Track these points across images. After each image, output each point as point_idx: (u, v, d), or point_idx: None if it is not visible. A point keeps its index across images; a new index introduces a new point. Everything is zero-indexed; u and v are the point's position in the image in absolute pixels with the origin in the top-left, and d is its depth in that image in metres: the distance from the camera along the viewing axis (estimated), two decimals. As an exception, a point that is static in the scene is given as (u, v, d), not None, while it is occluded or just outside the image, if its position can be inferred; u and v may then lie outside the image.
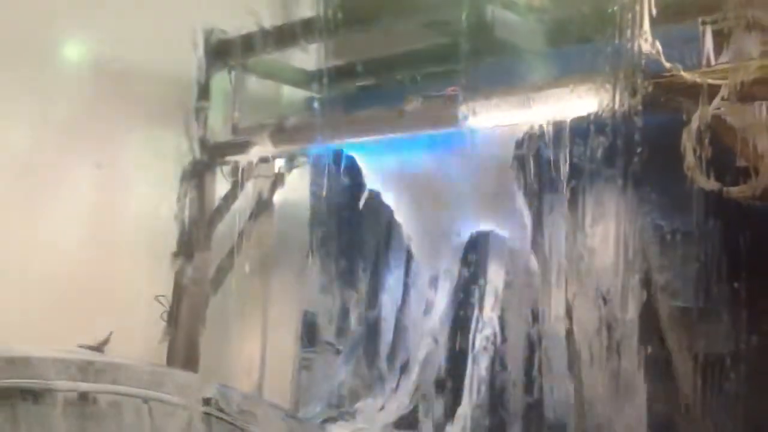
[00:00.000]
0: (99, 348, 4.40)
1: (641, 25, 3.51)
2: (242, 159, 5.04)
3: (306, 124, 4.60)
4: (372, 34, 5.08)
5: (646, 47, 3.49)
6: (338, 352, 7.02)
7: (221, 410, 3.33)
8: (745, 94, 3.30)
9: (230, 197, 5.32)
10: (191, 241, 5.29)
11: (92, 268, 5.17)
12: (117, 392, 3.31)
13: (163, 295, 5.27)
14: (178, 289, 5.31)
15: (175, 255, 5.29)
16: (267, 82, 5.69)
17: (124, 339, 4.96)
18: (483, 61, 4.44)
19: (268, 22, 5.49)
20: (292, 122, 4.63)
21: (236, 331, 5.87)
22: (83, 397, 3.28)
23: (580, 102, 3.56)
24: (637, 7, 3.53)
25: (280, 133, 4.64)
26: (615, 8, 3.63)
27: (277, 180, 5.34)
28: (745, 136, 3.33)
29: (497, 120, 3.79)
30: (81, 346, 4.24)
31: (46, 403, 3.19)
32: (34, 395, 3.18)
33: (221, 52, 5.28)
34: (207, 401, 3.34)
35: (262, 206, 5.44)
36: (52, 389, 3.21)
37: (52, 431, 3.24)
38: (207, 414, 3.32)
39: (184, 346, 5.29)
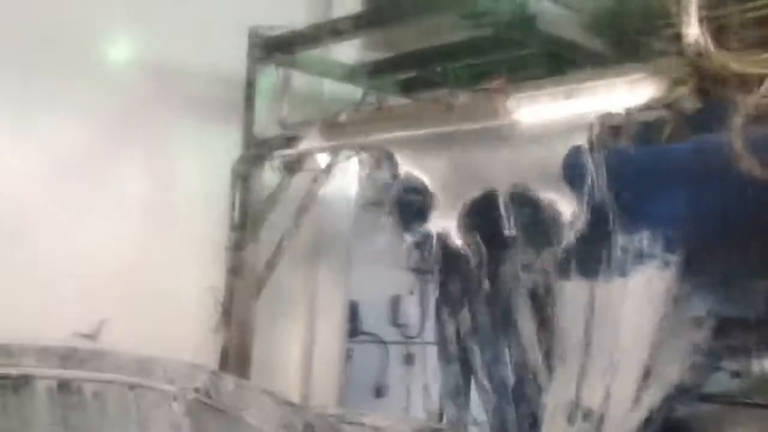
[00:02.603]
0: (92, 336, 4.49)
1: (688, 14, 3.55)
2: (291, 153, 5.16)
3: (356, 119, 4.70)
4: (414, 28, 5.16)
5: (692, 38, 3.54)
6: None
7: (212, 398, 3.24)
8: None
9: (279, 191, 5.43)
10: (242, 234, 5.42)
11: (146, 262, 5.32)
12: (101, 380, 3.25)
13: (215, 287, 5.42)
14: (230, 281, 5.45)
15: (227, 248, 5.42)
16: (314, 78, 5.80)
17: (177, 329, 5.16)
18: (528, 54, 4.53)
19: (312, 18, 5.66)
20: (342, 117, 4.73)
21: (285, 322, 6.01)
22: (65, 385, 3.22)
23: (630, 93, 3.62)
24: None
25: (331, 128, 4.74)
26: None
27: (324, 174, 5.43)
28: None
29: (544, 112, 3.85)
30: (75, 334, 4.27)
31: (26, 393, 3.15)
32: (14, 384, 3.14)
33: (267, 48, 5.39)
34: (198, 389, 3.25)
35: (309, 199, 5.53)
36: (31, 377, 3.16)
37: (33, 421, 3.19)
38: (197, 402, 3.23)
39: (236, 336, 5.42)
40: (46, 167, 5.06)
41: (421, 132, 4.19)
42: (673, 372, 3.83)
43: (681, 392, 3.92)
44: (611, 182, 3.63)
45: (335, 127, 4.70)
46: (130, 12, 5.31)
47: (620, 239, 3.81)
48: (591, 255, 3.94)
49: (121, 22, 5.36)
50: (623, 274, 3.88)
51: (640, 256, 3.82)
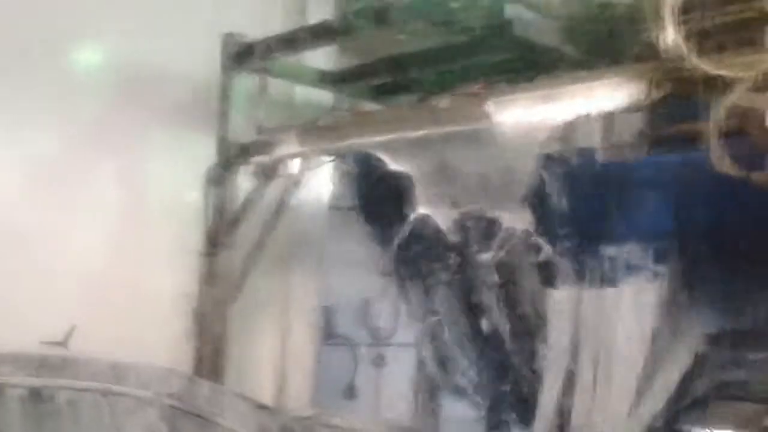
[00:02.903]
0: (62, 344, 4.42)
1: (664, 19, 3.62)
2: (266, 159, 5.16)
3: (334, 124, 4.71)
4: (391, 34, 5.19)
5: (668, 42, 3.61)
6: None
7: (188, 403, 3.26)
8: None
9: (253, 196, 5.43)
10: (216, 240, 5.40)
11: (120, 268, 5.28)
12: (74, 388, 3.23)
13: (189, 294, 5.39)
14: (205, 287, 5.42)
15: (201, 254, 5.40)
16: (287, 84, 5.81)
17: (152, 336, 5.13)
18: (504, 59, 4.59)
19: (286, 25, 5.67)
20: (320, 122, 4.74)
21: (259, 327, 5.99)
22: (37, 393, 3.19)
23: (608, 96, 3.68)
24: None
25: (309, 133, 4.75)
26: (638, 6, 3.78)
27: (298, 179, 5.43)
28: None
29: (523, 116, 3.90)
30: (43, 343, 4.16)
31: (-2, 402, 2.96)
32: None
33: (241, 55, 5.39)
34: (172, 394, 3.27)
35: (283, 205, 5.53)
36: (3, 385, 3.13)
37: (5, 430, 3.15)
38: (172, 407, 3.25)
39: (210, 342, 5.40)
40: (18, 174, 5.02)
41: (402, 136, 4.22)
42: (670, 384, 3.87)
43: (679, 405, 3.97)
44: (598, 192, 3.69)
45: (313, 133, 4.71)
46: (102, 18, 5.27)
47: (608, 249, 3.88)
48: (578, 263, 4.00)
49: (93, 29, 5.32)
50: (612, 284, 3.94)
51: (629, 267, 3.89)
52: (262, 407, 3.60)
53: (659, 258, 3.83)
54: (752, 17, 3.94)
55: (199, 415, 3.27)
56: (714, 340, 3.85)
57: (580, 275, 4.08)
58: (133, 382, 3.28)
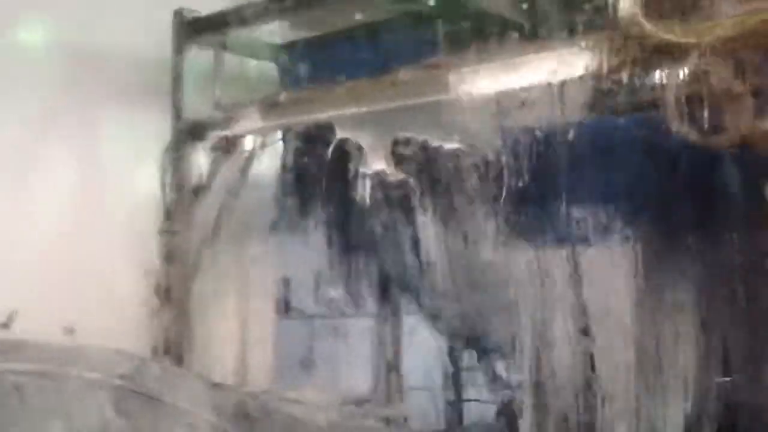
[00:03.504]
0: (5, 326, 4.38)
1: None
2: (226, 134, 5.15)
3: (296, 98, 4.72)
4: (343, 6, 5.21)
5: (625, 11, 3.72)
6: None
7: (139, 384, 3.20)
8: (721, 50, 3.57)
9: (211, 173, 5.41)
10: (175, 217, 5.39)
11: (79, 250, 5.20)
12: (20, 371, 3.13)
13: (151, 271, 5.37)
14: (165, 265, 5.41)
15: (161, 232, 5.38)
16: (238, 59, 5.76)
17: (115, 315, 5.10)
18: (464, 28, 4.65)
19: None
20: (282, 97, 4.74)
21: (219, 302, 5.99)
22: None
23: (569, 65, 3.78)
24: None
25: (270, 108, 4.76)
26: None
27: (256, 154, 5.43)
28: (721, 90, 3.62)
29: (484, 87, 3.98)
30: None
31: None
32: None
33: (194, 30, 5.34)
34: (123, 376, 3.20)
35: (241, 180, 5.53)
36: None
37: None
38: (123, 389, 3.19)
39: (174, 319, 5.40)
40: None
41: (364, 109, 4.26)
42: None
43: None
44: (563, 153, 3.80)
45: (276, 107, 4.71)
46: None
47: (575, 210, 4.00)
48: (541, 222, 4.12)
49: (38, 7, 5.19)
50: (580, 244, 4.07)
51: (598, 229, 4.02)
52: (215, 386, 3.57)
53: (626, 221, 3.98)
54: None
55: (150, 396, 3.21)
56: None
57: (545, 236, 4.21)
58: (82, 365, 3.20)
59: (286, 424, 3.50)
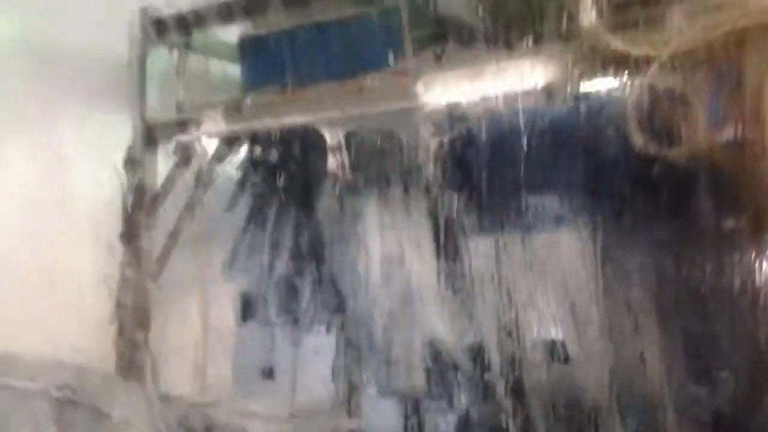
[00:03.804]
0: None
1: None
2: (186, 138, 5.12)
3: (262, 102, 4.71)
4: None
5: (586, 22, 3.79)
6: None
7: (78, 395, 3.16)
8: (678, 63, 3.65)
9: (173, 176, 5.38)
10: (136, 221, 5.34)
11: (37, 254, 5.15)
12: None
13: (111, 276, 5.32)
14: (125, 269, 5.36)
15: (121, 236, 5.33)
16: (200, 59, 5.74)
17: (74, 321, 5.05)
18: (428, 36, 4.68)
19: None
20: (248, 101, 4.73)
21: (180, 308, 5.96)
22: None
23: (528, 75, 3.84)
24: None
25: (235, 112, 4.75)
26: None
27: (219, 158, 5.42)
28: (678, 103, 3.70)
29: (452, 95, 4.02)
30: None
31: None
32: None
33: (158, 30, 5.30)
34: (61, 386, 3.17)
35: (204, 184, 5.51)
36: None
37: None
38: (61, 399, 3.14)
39: (134, 325, 5.35)
40: None
41: (330, 114, 4.28)
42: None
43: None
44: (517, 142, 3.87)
45: (240, 111, 4.71)
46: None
47: (529, 198, 4.07)
48: (497, 210, 4.19)
49: (-1, 3, 5.14)
50: (532, 231, 4.15)
51: (550, 217, 4.09)
52: (159, 397, 3.60)
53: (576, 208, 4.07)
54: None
55: (90, 407, 3.19)
56: None
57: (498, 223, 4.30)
58: (20, 375, 3.16)
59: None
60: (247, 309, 7.06)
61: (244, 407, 4.29)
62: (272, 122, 4.59)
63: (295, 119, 4.42)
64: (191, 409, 3.81)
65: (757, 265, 3.64)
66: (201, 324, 6.11)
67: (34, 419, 3.04)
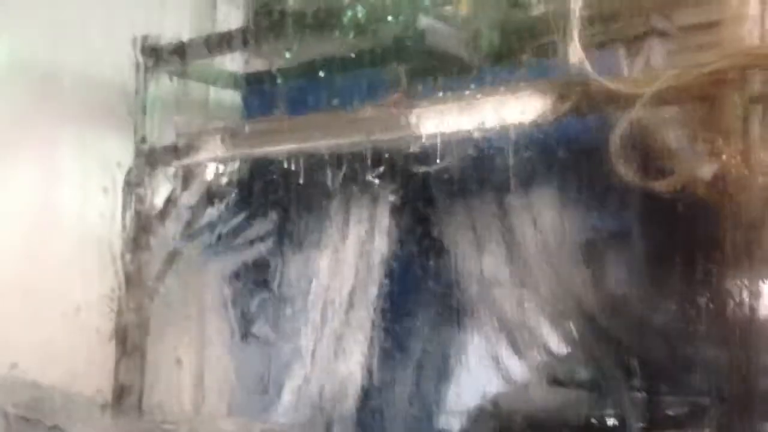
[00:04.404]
0: None
1: (570, 37, 3.94)
2: (188, 162, 5.25)
3: (258, 129, 4.84)
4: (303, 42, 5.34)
5: (573, 58, 3.93)
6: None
7: (35, 412, 3.13)
8: (661, 100, 3.79)
9: (172, 199, 5.50)
10: (135, 242, 5.46)
11: (38, 272, 5.26)
12: None
13: (109, 295, 5.44)
14: (125, 288, 5.48)
15: (121, 256, 5.45)
16: (199, 86, 5.88)
17: (74, 338, 5.16)
18: (419, 69, 4.82)
19: (196, 27, 5.75)
20: (246, 128, 4.86)
21: (177, 326, 6.06)
22: None
23: (518, 109, 3.98)
24: (564, 21, 3.98)
25: (233, 138, 4.87)
26: (544, 21, 4.10)
27: (216, 181, 5.54)
28: (663, 137, 3.84)
29: (443, 126, 4.15)
30: None
31: None
32: None
33: (157, 57, 5.44)
34: (17, 405, 3.12)
35: (201, 207, 5.63)
36: None
37: None
38: (19, 418, 3.10)
39: (132, 342, 5.46)
40: None
41: (322, 143, 4.40)
42: None
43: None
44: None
45: (238, 137, 4.83)
46: (11, 17, 5.22)
47: None
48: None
49: (3, 25, 5.26)
50: None
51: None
52: (119, 415, 3.58)
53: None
54: (644, 31, 4.38)
55: (49, 426, 3.13)
56: None
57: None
58: None
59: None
60: (245, 326, 7.20)
61: (216, 422, 4.10)
62: (268, 150, 4.71)
63: (291, 147, 4.54)
64: (156, 428, 3.82)
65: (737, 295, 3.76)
66: (198, 340, 6.21)
67: (-9, 435, 2.81)
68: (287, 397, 5.85)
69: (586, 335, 4.82)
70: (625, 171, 3.77)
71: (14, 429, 3.05)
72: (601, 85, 3.87)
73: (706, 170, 3.73)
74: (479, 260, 5.11)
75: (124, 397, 5.31)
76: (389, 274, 5.41)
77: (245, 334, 6.36)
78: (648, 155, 3.80)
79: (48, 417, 3.09)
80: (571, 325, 4.85)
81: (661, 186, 3.78)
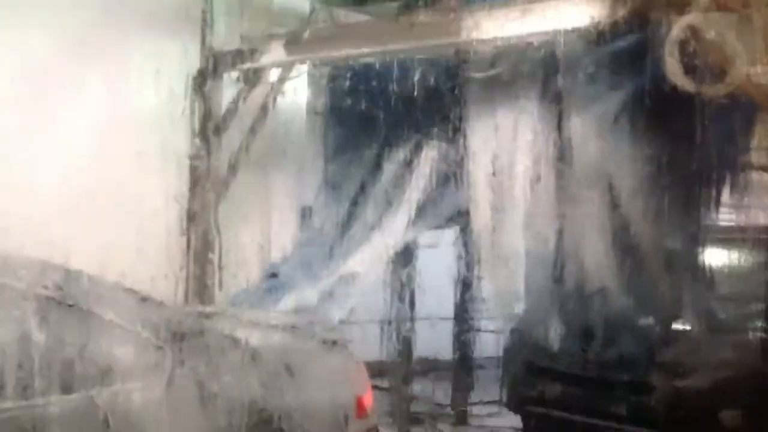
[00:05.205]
0: None
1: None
2: (251, 66, 5.40)
3: (319, 35, 4.94)
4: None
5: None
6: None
7: (65, 295, 3.05)
8: (718, 5, 3.77)
9: (237, 101, 5.68)
10: (204, 144, 5.68)
11: (111, 176, 5.46)
12: None
13: (181, 194, 5.70)
14: (195, 188, 5.74)
15: (190, 157, 5.69)
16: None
17: (148, 235, 5.43)
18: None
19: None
20: (306, 34, 4.96)
21: (244, 226, 6.32)
22: None
23: (576, 13, 4.00)
24: None
25: (294, 44, 4.99)
26: None
27: (280, 85, 5.69)
28: (718, 43, 3.83)
29: (499, 32, 4.20)
30: None
31: None
32: None
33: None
34: (48, 286, 3.05)
35: (266, 110, 5.80)
36: None
37: None
38: (48, 299, 3.03)
39: (202, 239, 5.76)
40: (2, 84, 5.13)
41: (380, 49, 4.49)
42: None
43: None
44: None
45: (299, 43, 4.95)
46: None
47: None
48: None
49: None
50: None
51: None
52: (147, 300, 3.45)
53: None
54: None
55: (77, 307, 3.06)
56: None
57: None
58: (7, 275, 3.02)
59: (218, 344, 3.39)
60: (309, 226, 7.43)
61: (243, 316, 4.24)
62: (327, 54, 4.82)
63: (350, 52, 4.64)
64: (179, 314, 3.68)
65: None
66: (263, 239, 6.45)
67: (22, 318, 2.95)
68: None
69: None
70: (678, 76, 3.79)
71: (43, 311, 2.97)
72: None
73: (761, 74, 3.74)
74: None
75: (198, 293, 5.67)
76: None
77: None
78: (702, 60, 3.81)
79: (77, 300, 3.05)
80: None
81: (713, 91, 3.80)
